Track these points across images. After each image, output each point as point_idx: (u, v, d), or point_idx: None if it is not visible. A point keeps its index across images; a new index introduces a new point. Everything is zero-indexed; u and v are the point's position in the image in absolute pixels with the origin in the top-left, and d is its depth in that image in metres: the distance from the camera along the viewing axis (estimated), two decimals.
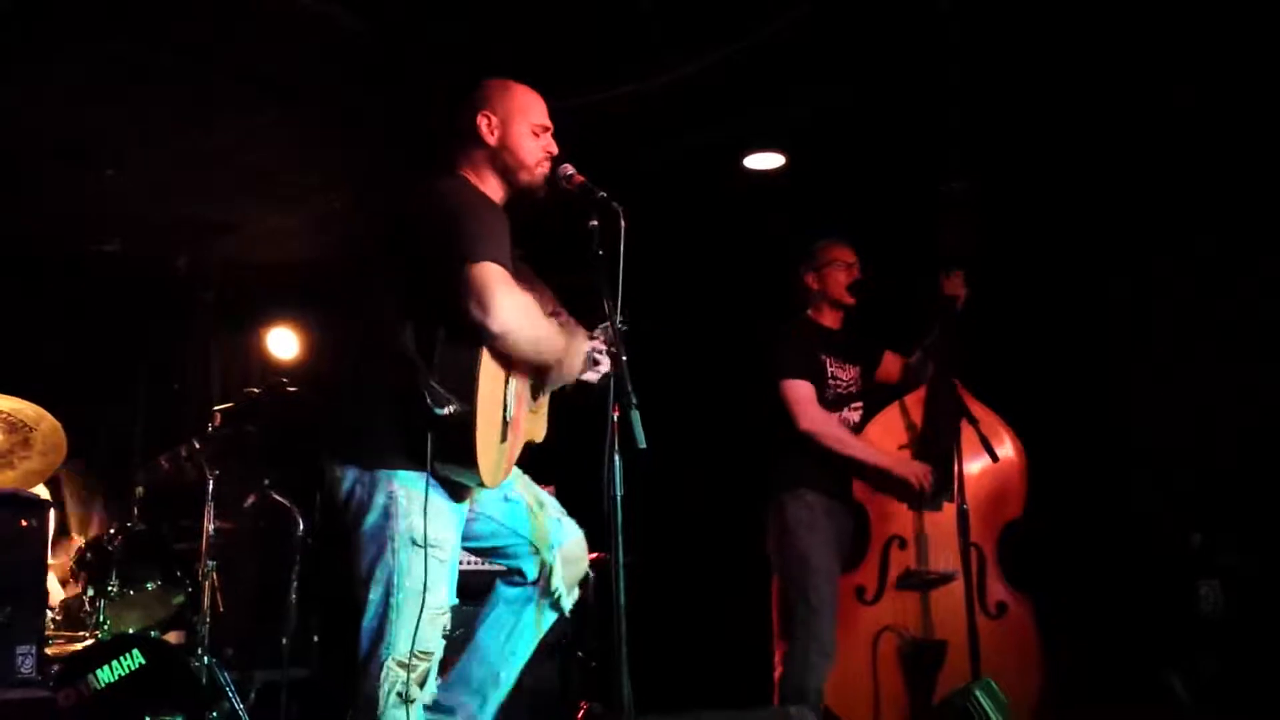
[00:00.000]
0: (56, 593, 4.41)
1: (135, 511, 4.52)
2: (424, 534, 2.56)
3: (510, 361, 2.68)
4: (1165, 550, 4.40)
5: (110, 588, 4.16)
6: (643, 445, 2.37)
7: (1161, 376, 4.54)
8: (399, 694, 2.54)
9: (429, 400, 2.47)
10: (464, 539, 2.81)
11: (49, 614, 4.13)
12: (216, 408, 4.67)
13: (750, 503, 4.18)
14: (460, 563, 2.75)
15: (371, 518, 2.61)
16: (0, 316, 5.76)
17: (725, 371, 4.94)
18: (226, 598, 4.48)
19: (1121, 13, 3.90)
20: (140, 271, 6.41)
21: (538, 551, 2.91)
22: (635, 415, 2.40)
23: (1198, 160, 4.37)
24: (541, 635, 2.98)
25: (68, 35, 4.12)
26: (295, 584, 4.84)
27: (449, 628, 2.67)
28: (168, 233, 6.06)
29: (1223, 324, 4.38)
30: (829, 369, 4.14)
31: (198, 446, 4.50)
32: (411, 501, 2.57)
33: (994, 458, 3.94)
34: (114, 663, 3.86)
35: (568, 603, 2.95)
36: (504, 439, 2.70)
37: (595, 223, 2.69)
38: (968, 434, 3.94)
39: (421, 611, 2.54)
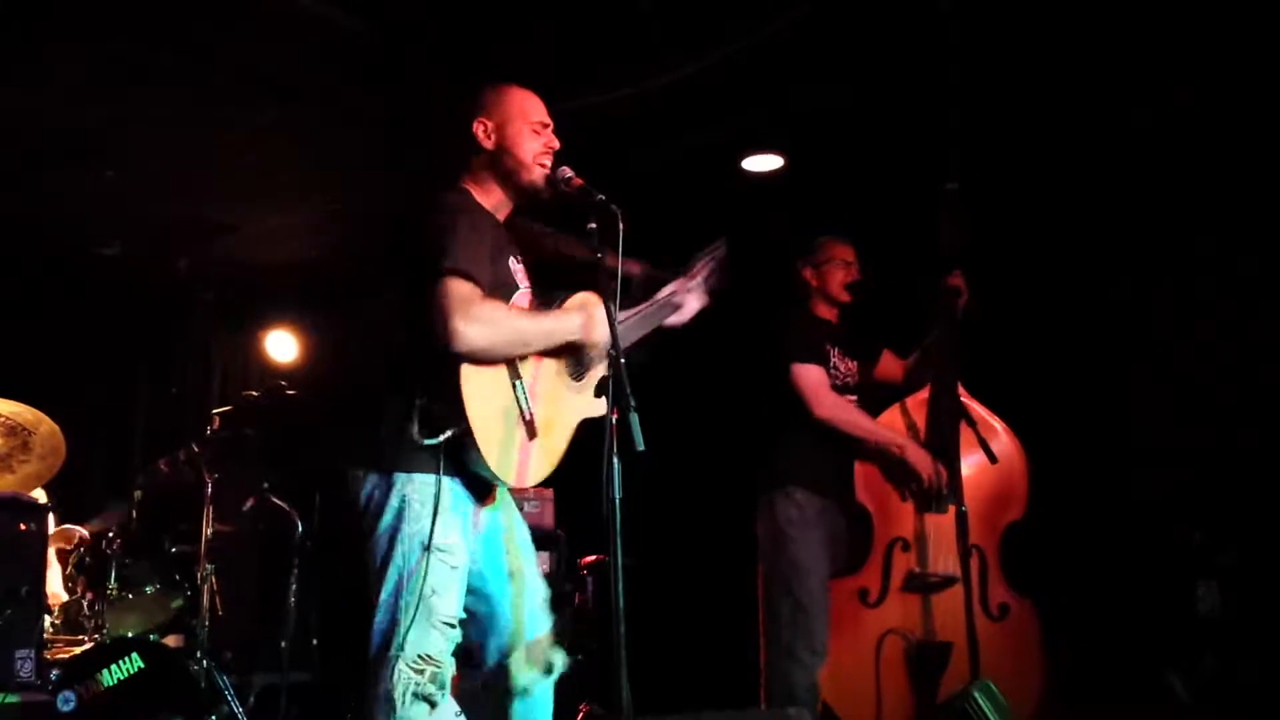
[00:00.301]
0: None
1: (134, 515, 4.51)
2: (431, 537, 2.58)
3: (515, 361, 2.69)
4: (1165, 550, 4.40)
5: (109, 591, 4.15)
6: (641, 448, 2.37)
7: (1161, 376, 4.53)
8: (415, 694, 2.55)
9: (418, 429, 2.55)
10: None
11: (48, 618, 4.13)
12: (215, 411, 4.67)
13: (749, 504, 4.17)
14: None
15: (386, 519, 2.63)
16: (0, 318, 5.76)
17: (724, 373, 4.93)
18: (225, 601, 4.48)
19: (1121, 13, 3.90)
20: (140, 272, 6.41)
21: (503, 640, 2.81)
22: (634, 418, 2.40)
23: (1198, 160, 4.37)
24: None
25: (68, 35, 4.12)
26: (294, 587, 4.83)
27: (459, 643, 2.66)
28: (168, 233, 6.06)
29: (1223, 324, 4.38)
30: (832, 358, 4.14)
31: (196, 450, 4.49)
32: (424, 505, 2.60)
33: (992, 459, 3.93)
34: (113, 666, 3.85)
35: (557, 667, 2.86)
36: (531, 436, 2.71)
37: (594, 225, 2.68)
38: (966, 435, 3.93)
39: (428, 614, 2.56)
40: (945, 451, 3.93)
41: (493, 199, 2.86)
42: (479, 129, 2.84)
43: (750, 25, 4.07)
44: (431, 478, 2.60)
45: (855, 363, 4.22)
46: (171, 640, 4.52)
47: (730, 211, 5.34)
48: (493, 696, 2.82)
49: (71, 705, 3.75)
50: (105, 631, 4.10)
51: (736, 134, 4.90)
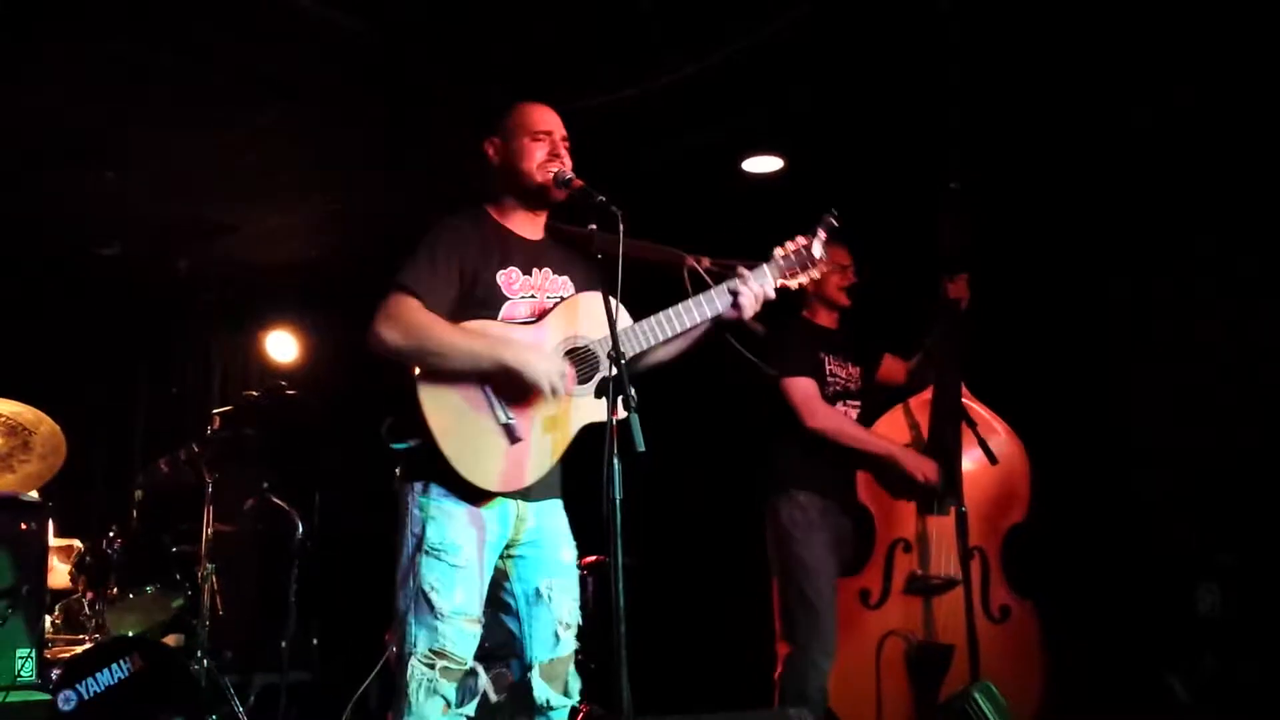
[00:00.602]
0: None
1: (134, 515, 4.52)
2: (424, 538, 2.72)
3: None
4: (1165, 551, 4.40)
5: (110, 591, 4.15)
6: (642, 449, 2.38)
7: (1161, 376, 4.53)
8: (429, 689, 2.66)
9: (386, 438, 2.76)
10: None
11: (47, 618, 4.13)
12: (215, 411, 4.67)
13: (749, 505, 4.17)
14: None
15: (402, 524, 2.81)
16: (0, 319, 5.76)
17: (724, 374, 4.92)
18: (226, 601, 4.49)
19: (1122, 12, 3.89)
20: (140, 272, 6.41)
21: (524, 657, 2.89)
22: (634, 419, 2.41)
23: (1198, 160, 4.37)
24: None
25: (68, 35, 4.12)
26: (295, 587, 4.84)
27: (479, 638, 2.75)
28: (168, 233, 6.06)
29: (1223, 324, 4.37)
30: (827, 365, 4.13)
31: (197, 450, 4.50)
32: (423, 510, 2.75)
33: (992, 460, 3.93)
34: (113, 666, 3.85)
35: (574, 689, 2.91)
36: (514, 440, 2.74)
37: (594, 226, 2.71)
38: (967, 436, 3.93)
39: (430, 609, 2.67)
40: (946, 453, 3.93)
41: (513, 215, 2.97)
42: (489, 149, 2.99)
43: (750, 25, 4.07)
44: (420, 484, 2.76)
45: (857, 368, 4.21)
46: (172, 640, 4.52)
47: (729, 213, 5.34)
48: (517, 709, 2.94)
49: (71, 705, 3.76)
50: (106, 631, 4.10)
51: (736, 134, 4.90)
